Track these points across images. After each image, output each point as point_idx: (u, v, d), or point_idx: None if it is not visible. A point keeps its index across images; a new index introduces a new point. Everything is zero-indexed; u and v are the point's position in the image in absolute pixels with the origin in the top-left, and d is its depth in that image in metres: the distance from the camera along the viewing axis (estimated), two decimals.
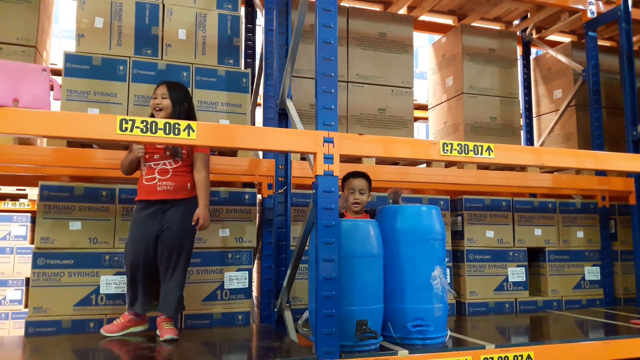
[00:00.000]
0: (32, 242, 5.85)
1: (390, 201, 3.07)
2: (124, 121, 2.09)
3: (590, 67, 4.32)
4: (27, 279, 5.68)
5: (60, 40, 5.84)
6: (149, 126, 2.11)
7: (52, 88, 2.13)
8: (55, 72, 3.25)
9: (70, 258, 2.91)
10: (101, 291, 2.91)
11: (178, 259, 2.70)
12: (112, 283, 2.92)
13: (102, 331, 2.67)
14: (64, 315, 2.86)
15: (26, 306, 5.66)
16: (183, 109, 2.78)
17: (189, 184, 2.75)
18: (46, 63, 3.60)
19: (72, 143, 3.05)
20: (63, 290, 2.87)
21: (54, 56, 5.23)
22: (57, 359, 2.34)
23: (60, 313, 2.86)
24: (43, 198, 2.92)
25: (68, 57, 3.08)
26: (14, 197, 6.72)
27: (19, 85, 2.02)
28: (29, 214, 5.98)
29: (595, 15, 4.30)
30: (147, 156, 2.73)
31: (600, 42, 4.91)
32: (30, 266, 2.89)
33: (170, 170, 2.72)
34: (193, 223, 2.68)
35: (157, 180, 2.69)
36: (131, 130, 2.10)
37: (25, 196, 6.68)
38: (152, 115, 2.80)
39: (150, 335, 2.71)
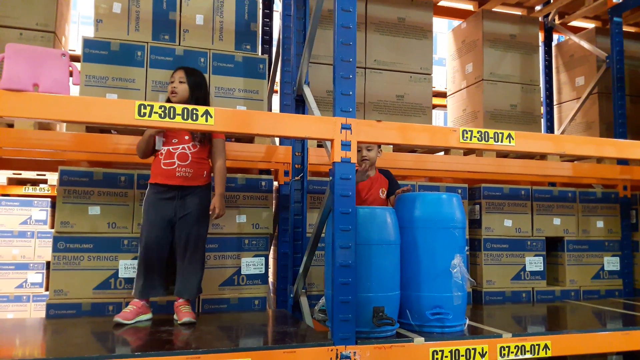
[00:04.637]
0: (52, 227, 5.94)
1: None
2: (142, 106, 2.09)
3: (615, 53, 4.21)
4: (48, 263, 5.78)
5: (79, 27, 5.87)
6: (167, 111, 2.11)
7: (71, 74, 2.14)
8: (74, 59, 3.27)
9: (90, 242, 2.94)
10: (120, 275, 2.95)
11: (197, 243, 2.74)
12: (131, 267, 2.95)
13: (117, 319, 2.60)
14: (83, 298, 2.91)
15: (47, 289, 5.78)
16: (201, 95, 2.79)
17: (205, 171, 2.79)
18: (65, 49, 3.62)
19: (91, 128, 3.07)
20: (83, 274, 2.92)
21: (73, 42, 5.28)
22: (78, 341, 2.38)
23: (80, 296, 2.91)
24: (63, 183, 2.95)
25: (86, 43, 3.09)
26: (34, 182, 6.82)
27: (39, 70, 2.03)
28: (49, 199, 6.07)
29: (620, 0, 4.19)
30: (164, 139, 2.74)
31: (625, 28, 4.79)
32: (50, 250, 2.94)
33: (190, 155, 2.73)
34: (210, 212, 2.72)
35: (176, 165, 2.70)
36: (149, 116, 2.10)
37: (45, 181, 6.78)
38: (169, 100, 2.80)
39: (168, 318, 2.75)
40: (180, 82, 2.75)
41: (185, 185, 2.71)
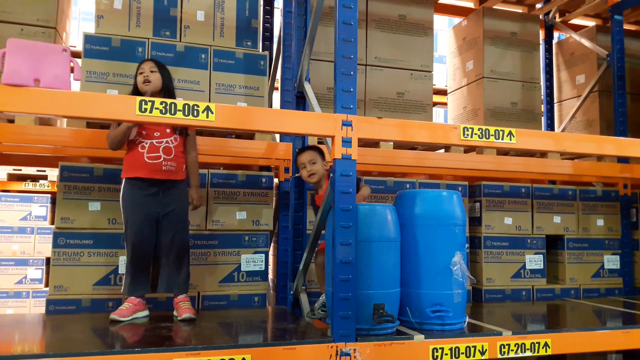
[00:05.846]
0: (52, 223, 5.94)
1: None
2: (143, 102, 2.09)
3: (615, 51, 4.21)
4: (48, 259, 5.78)
5: (79, 22, 5.86)
6: (168, 107, 2.11)
7: (72, 69, 2.13)
8: (75, 55, 3.26)
9: (90, 238, 2.94)
10: (120, 271, 2.95)
11: (183, 240, 2.75)
12: None
13: (113, 316, 2.60)
14: (83, 294, 2.91)
15: (46, 285, 5.78)
16: (171, 87, 2.80)
17: (183, 165, 2.81)
18: (66, 44, 3.61)
19: (92, 124, 3.07)
20: (83, 270, 2.92)
21: (73, 38, 5.26)
22: (78, 336, 2.38)
23: (80, 292, 2.91)
24: (63, 179, 2.95)
25: (87, 39, 3.08)
26: (35, 178, 6.82)
27: (40, 65, 2.02)
28: (49, 195, 6.07)
29: None
30: (144, 132, 2.70)
31: (626, 26, 4.78)
32: (50, 246, 2.94)
33: (173, 149, 2.73)
34: (190, 203, 2.79)
35: (162, 159, 2.70)
36: (150, 111, 2.09)
37: (45, 177, 6.78)
38: (136, 92, 2.75)
39: (168, 315, 2.75)
40: (152, 71, 2.73)
41: (169, 179, 2.72)
